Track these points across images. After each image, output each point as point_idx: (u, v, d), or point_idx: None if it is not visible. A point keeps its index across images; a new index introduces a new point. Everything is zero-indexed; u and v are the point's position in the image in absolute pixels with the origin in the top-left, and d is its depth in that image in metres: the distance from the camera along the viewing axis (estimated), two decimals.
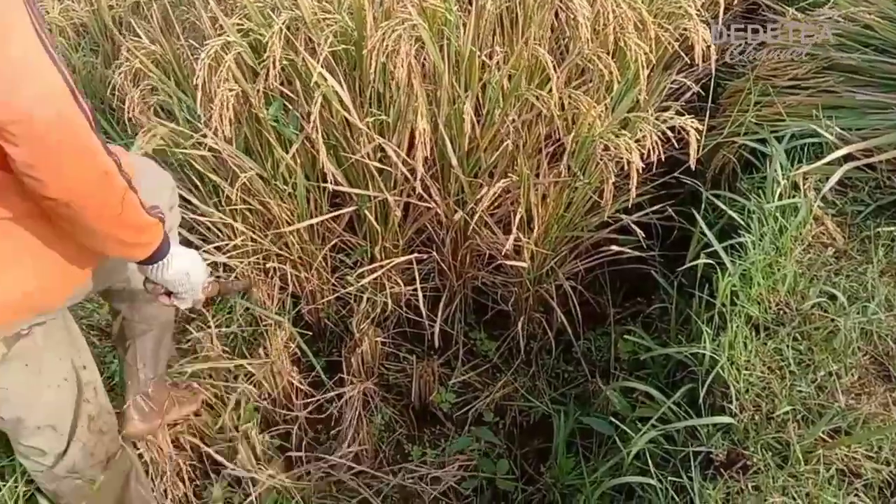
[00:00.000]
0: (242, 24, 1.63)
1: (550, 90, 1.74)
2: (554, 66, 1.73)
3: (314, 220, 1.86)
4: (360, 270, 2.01)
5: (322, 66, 1.58)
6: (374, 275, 1.99)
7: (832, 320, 1.71)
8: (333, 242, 2.05)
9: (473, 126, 1.78)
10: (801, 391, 1.61)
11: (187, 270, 1.28)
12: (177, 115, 1.82)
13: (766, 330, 1.73)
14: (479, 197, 1.84)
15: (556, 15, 1.89)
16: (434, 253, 2.11)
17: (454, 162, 1.85)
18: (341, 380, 2.08)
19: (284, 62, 1.62)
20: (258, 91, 1.64)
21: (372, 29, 1.60)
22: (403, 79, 1.62)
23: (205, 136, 1.65)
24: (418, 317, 2.07)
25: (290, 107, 1.73)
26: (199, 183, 1.94)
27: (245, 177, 1.73)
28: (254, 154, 1.80)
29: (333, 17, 1.61)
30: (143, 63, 1.80)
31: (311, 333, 2.14)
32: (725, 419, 1.53)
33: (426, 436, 2.09)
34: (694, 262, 1.83)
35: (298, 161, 1.80)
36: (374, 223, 1.95)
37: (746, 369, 1.64)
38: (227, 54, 1.51)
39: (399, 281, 2.06)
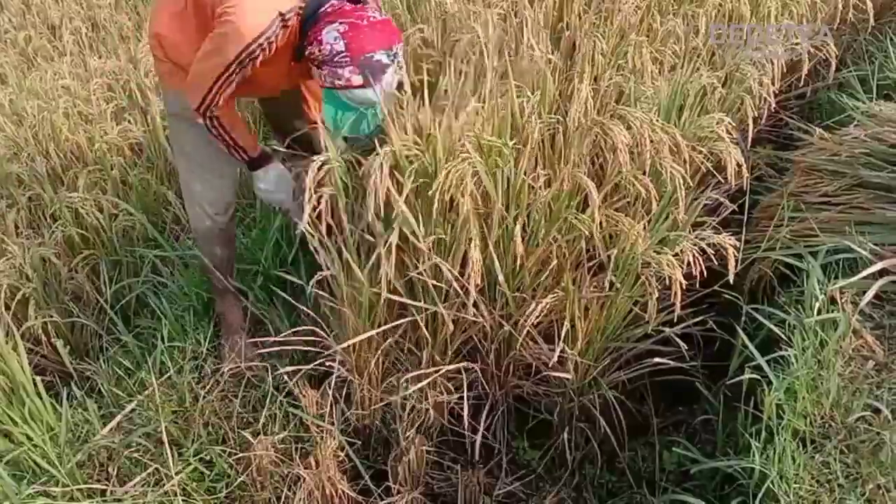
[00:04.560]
0: None
1: (591, 213, 1.84)
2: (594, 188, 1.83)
3: (376, 330, 1.94)
4: (408, 375, 2.06)
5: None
6: (422, 383, 2.04)
7: (877, 433, 1.74)
8: (386, 351, 2.11)
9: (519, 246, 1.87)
10: None
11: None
12: None
13: (812, 443, 1.76)
14: (526, 313, 1.92)
15: (595, 140, 2.01)
16: (478, 363, 2.17)
17: (501, 279, 1.94)
18: (387, 488, 2.11)
19: None
20: None
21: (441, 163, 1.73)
22: (464, 207, 1.74)
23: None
24: (461, 426, 2.11)
25: None
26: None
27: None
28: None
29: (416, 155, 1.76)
30: None
31: (359, 441, 2.17)
32: None
33: None
34: (739, 378, 1.87)
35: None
36: (426, 332, 2.02)
37: (795, 482, 1.66)
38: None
39: (444, 390, 2.11)
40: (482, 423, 2.12)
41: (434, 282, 1.87)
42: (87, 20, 4.93)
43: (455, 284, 1.83)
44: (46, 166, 3.28)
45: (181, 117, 2.05)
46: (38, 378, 2.07)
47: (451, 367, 2.06)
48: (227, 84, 1.78)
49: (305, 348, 2.04)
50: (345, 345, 1.95)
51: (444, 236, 1.84)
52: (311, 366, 2.04)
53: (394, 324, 1.97)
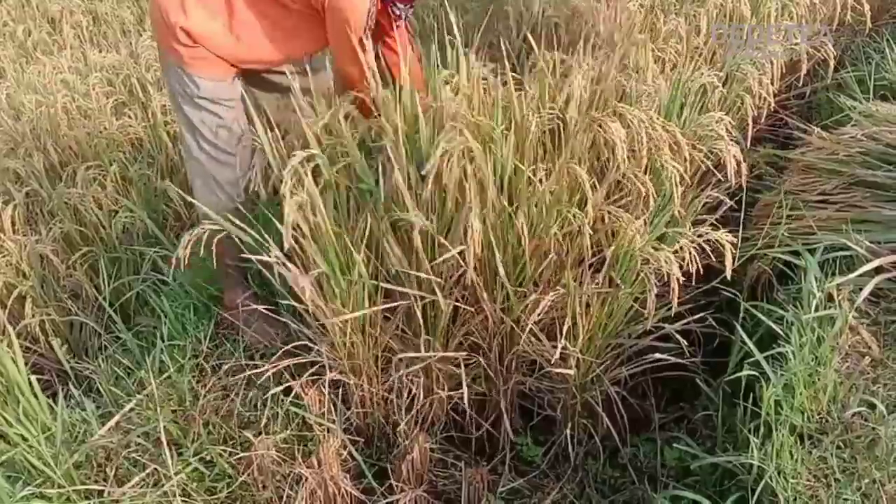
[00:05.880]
0: None
1: (588, 207, 1.85)
2: (593, 185, 1.84)
3: (371, 309, 1.94)
4: (413, 367, 2.06)
5: None
6: (419, 365, 2.04)
7: (873, 429, 1.76)
8: (383, 345, 2.12)
9: (519, 238, 1.88)
10: (846, 499, 1.64)
11: None
12: None
13: (809, 438, 1.78)
14: (526, 307, 1.92)
15: (594, 137, 2.02)
16: (480, 358, 2.17)
17: (501, 272, 1.94)
18: (391, 486, 2.11)
19: None
20: None
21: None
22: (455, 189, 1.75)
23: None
24: (465, 422, 2.12)
25: None
26: None
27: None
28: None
29: None
30: None
31: (361, 440, 2.18)
32: None
33: None
34: (738, 374, 1.89)
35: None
36: (419, 319, 2.01)
37: (793, 477, 1.68)
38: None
39: (446, 385, 2.12)
40: (490, 420, 2.13)
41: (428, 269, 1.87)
42: (87, 13, 4.91)
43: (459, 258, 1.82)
44: (44, 162, 3.27)
45: (201, 101, 2.07)
46: (34, 377, 2.05)
47: (452, 354, 2.06)
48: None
49: (298, 361, 2.05)
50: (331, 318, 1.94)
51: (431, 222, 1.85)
52: (305, 376, 2.05)
53: (386, 305, 1.97)
